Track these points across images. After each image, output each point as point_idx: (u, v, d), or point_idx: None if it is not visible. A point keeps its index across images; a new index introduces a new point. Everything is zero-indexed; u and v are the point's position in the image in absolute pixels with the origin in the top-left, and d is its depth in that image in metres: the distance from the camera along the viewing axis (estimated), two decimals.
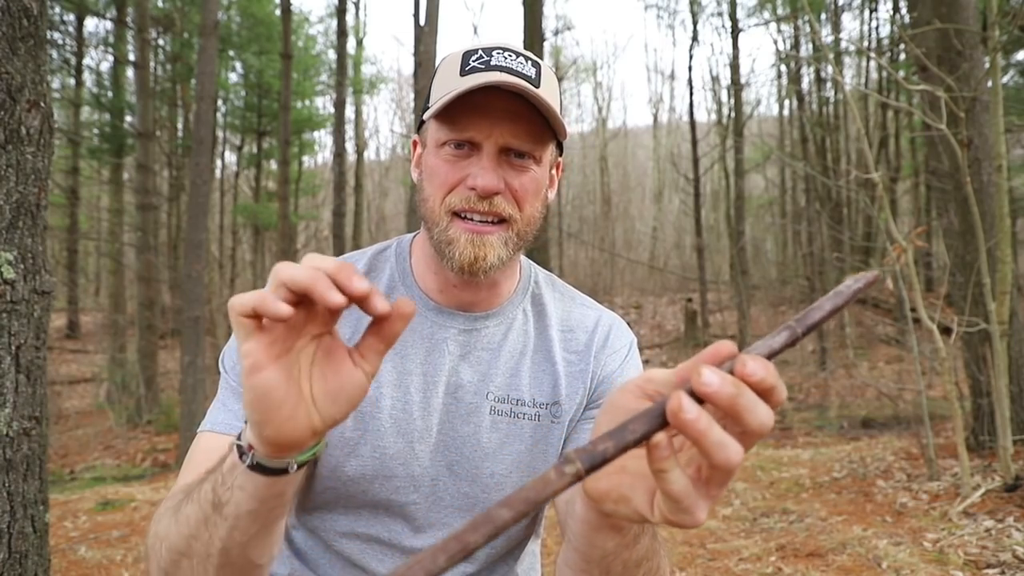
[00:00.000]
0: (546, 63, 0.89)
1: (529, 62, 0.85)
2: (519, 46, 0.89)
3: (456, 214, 0.84)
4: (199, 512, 0.64)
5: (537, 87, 0.83)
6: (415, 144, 0.94)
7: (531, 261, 1.04)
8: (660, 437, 0.42)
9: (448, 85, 0.84)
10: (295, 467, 0.58)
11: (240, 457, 0.59)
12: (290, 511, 0.92)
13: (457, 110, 0.82)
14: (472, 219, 0.84)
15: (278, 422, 0.53)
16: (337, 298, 0.48)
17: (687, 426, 0.41)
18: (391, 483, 0.88)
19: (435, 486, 0.89)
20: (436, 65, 0.92)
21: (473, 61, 0.84)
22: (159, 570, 0.69)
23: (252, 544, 0.64)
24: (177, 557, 0.66)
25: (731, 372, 0.42)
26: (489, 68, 0.82)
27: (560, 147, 0.93)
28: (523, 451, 0.91)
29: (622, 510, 0.49)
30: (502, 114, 0.82)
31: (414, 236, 0.98)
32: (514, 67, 0.83)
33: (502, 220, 0.85)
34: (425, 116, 0.86)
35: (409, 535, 0.90)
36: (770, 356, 0.44)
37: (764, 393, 0.42)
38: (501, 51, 0.85)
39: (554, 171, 0.94)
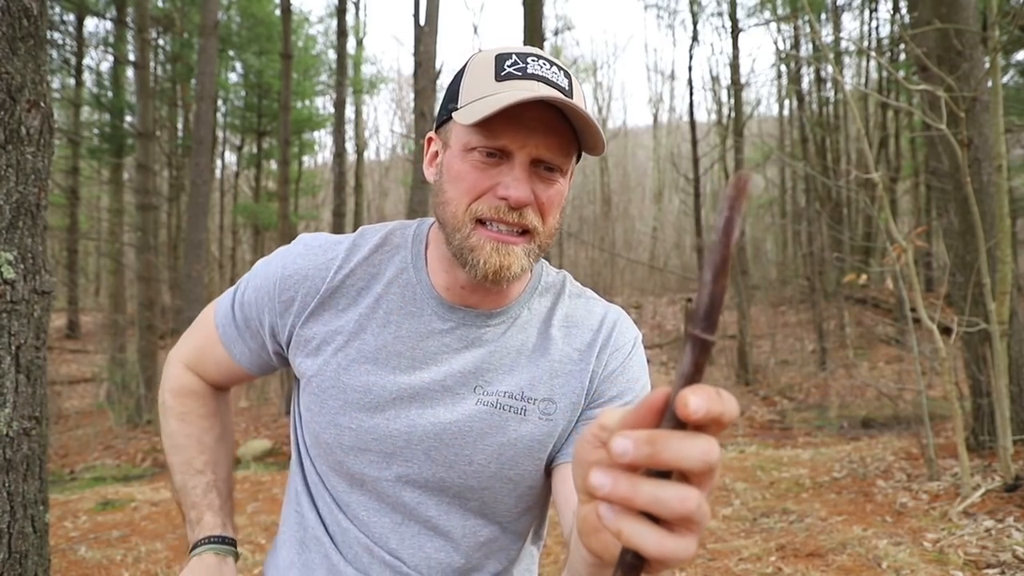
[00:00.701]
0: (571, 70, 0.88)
1: (561, 72, 0.85)
2: (548, 53, 0.88)
3: (480, 221, 0.84)
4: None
5: (570, 98, 0.82)
6: (429, 141, 0.93)
7: (544, 260, 1.03)
8: (585, 510, 0.40)
9: (482, 89, 0.82)
10: None
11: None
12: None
13: (491, 116, 0.80)
14: (498, 229, 0.83)
15: None
16: None
17: (611, 499, 0.40)
18: (365, 456, 0.89)
19: (408, 466, 0.90)
20: (463, 64, 0.90)
21: (508, 66, 0.83)
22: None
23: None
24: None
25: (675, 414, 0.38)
26: (526, 76, 0.82)
27: (578, 157, 0.92)
28: (504, 443, 0.91)
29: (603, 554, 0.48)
30: (537, 124, 0.81)
31: (433, 223, 0.97)
32: (549, 77, 0.82)
33: (526, 232, 0.84)
34: (462, 120, 0.82)
35: (387, 511, 0.91)
36: (693, 379, 0.39)
37: (708, 425, 0.39)
38: (535, 58, 0.84)
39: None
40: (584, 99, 0.88)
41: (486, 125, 0.81)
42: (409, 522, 0.92)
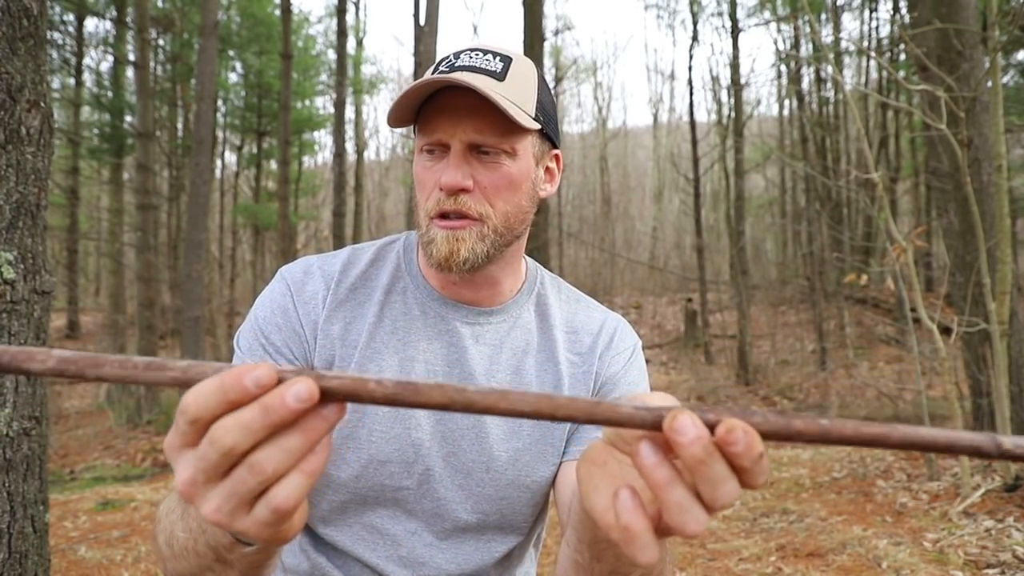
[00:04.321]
0: (522, 58, 0.89)
1: (498, 58, 0.86)
2: (499, 45, 0.89)
3: (433, 217, 0.86)
4: (200, 562, 0.61)
5: (501, 80, 0.83)
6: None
7: (537, 263, 1.04)
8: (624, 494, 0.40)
9: None
10: None
11: (245, 546, 0.57)
12: None
13: (428, 114, 0.84)
14: (449, 217, 0.86)
15: (284, 539, 0.49)
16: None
17: (645, 472, 0.39)
18: (385, 468, 0.88)
19: (429, 474, 0.89)
20: None
21: (443, 66, 0.85)
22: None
23: (263, 569, 0.64)
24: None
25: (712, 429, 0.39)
26: (453, 70, 0.84)
27: (551, 139, 0.92)
28: (521, 449, 0.91)
29: (586, 502, 0.47)
30: (464, 111, 0.82)
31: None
32: (478, 64, 0.84)
33: (471, 217, 0.86)
34: (388, 125, 0.88)
35: (402, 519, 0.90)
36: (772, 435, 0.39)
37: (737, 469, 0.39)
38: (470, 52, 0.86)
39: (552, 163, 0.94)
40: (534, 82, 0.88)
41: (425, 123, 0.85)
42: (424, 532, 0.91)
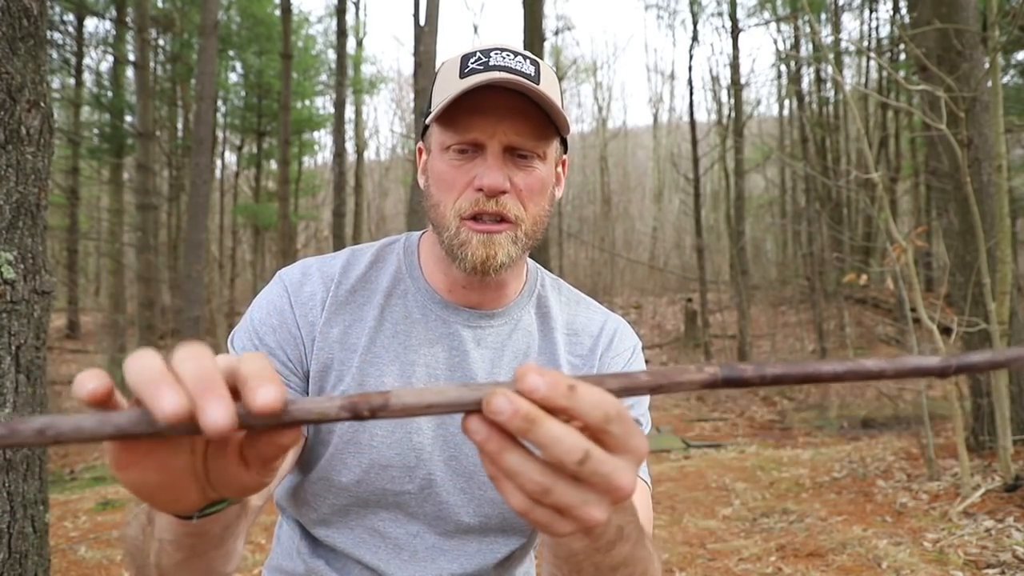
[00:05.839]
0: (545, 62, 0.89)
1: (528, 60, 0.85)
2: (518, 46, 0.88)
3: (466, 218, 0.84)
4: (137, 525, 0.61)
5: (537, 84, 0.83)
6: (420, 151, 0.94)
7: (537, 264, 1.04)
8: (477, 427, 0.37)
9: (448, 89, 0.84)
10: (196, 519, 0.52)
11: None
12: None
13: (459, 112, 0.82)
14: (482, 220, 0.84)
15: (162, 503, 0.46)
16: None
17: (481, 452, 0.38)
18: (387, 472, 0.88)
19: (431, 478, 0.89)
20: (436, 70, 0.92)
21: (472, 63, 0.84)
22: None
23: (183, 570, 0.60)
24: (134, 570, 0.65)
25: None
26: (488, 68, 0.82)
27: (564, 144, 0.93)
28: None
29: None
30: (504, 112, 0.82)
31: (422, 233, 0.98)
32: (513, 66, 0.83)
33: (507, 220, 0.85)
34: (427, 120, 0.86)
35: (404, 521, 0.90)
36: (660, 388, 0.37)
37: (589, 430, 0.36)
38: (499, 51, 0.85)
39: (560, 168, 0.94)
40: (559, 87, 0.88)
41: (455, 121, 0.82)
42: (426, 534, 0.91)
